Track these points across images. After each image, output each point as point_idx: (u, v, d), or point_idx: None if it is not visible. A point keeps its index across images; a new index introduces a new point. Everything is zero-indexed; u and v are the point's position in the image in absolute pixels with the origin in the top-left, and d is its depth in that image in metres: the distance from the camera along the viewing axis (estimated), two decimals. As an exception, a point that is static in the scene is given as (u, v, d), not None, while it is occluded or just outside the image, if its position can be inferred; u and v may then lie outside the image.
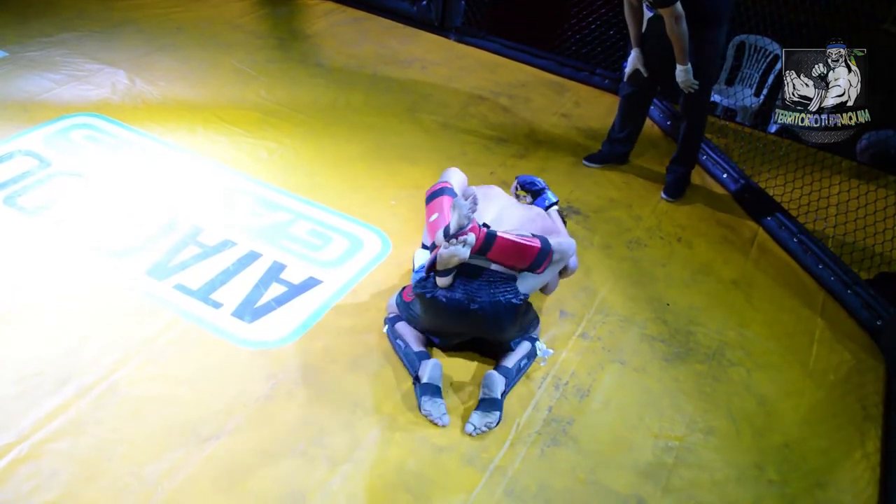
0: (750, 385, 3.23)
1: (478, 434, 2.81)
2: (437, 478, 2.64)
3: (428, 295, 2.95)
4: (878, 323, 3.58)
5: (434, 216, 3.15)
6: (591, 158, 4.66)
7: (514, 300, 2.94)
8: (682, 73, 3.96)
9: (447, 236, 2.83)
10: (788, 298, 3.78)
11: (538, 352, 3.13)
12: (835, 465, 2.92)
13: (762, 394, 3.19)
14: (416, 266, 3.22)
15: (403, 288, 3.20)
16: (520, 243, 2.93)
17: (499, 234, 2.91)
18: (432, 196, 3.28)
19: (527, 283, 3.04)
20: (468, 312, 2.91)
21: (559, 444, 2.84)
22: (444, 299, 2.92)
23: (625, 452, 2.85)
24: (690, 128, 4.31)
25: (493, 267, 2.98)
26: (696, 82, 3.99)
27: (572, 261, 3.32)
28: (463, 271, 2.94)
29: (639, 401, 3.08)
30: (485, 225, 2.97)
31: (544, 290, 3.36)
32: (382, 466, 2.65)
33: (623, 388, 3.13)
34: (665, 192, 4.43)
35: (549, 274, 3.14)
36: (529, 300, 3.12)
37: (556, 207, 3.56)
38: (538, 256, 2.97)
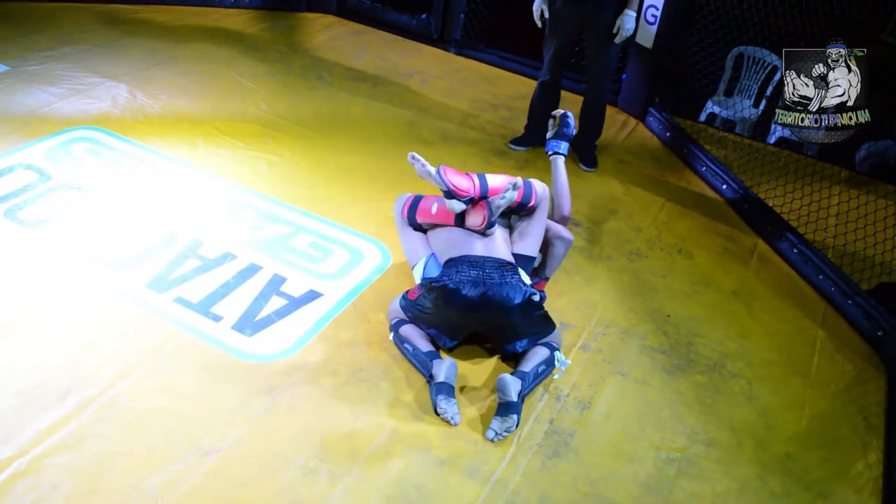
0: (751, 396, 3.22)
1: (499, 440, 2.84)
2: (438, 490, 2.63)
3: (437, 284, 3.02)
4: (879, 333, 3.58)
5: (434, 206, 3.30)
6: (517, 142, 4.95)
7: (526, 289, 3.04)
8: (630, 19, 4.31)
9: (451, 196, 3.16)
10: (789, 309, 3.78)
11: (556, 361, 3.13)
12: (837, 477, 2.91)
13: (763, 405, 3.19)
14: (420, 280, 3.24)
15: (406, 291, 3.23)
16: (504, 176, 3.29)
17: (486, 175, 3.27)
18: (413, 205, 3.35)
19: (526, 243, 3.25)
20: (479, 296, 2.97)
21: (560, 457, 2.83)
22: (454, 285, 2.99)
23: (626, 464, 2.84)
24: (600, 103, 4.74)
25: (496, 256, 3.11)
26: (627, 36, 4.38)
27: (565, 232, 3.44)
28: (470, 261, 3.07)
29: (640, 412, 3.07)
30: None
31: (560, 235, 3.42)
32: (383, 479, 2.64)
33: (624, 399, 3.13)
34: (585, 164, 4.79)
35: (539, 222, 3.30)
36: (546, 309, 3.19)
37: (561, 159, 3.59)
38: (524, 187, 3.22)
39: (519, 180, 3.17)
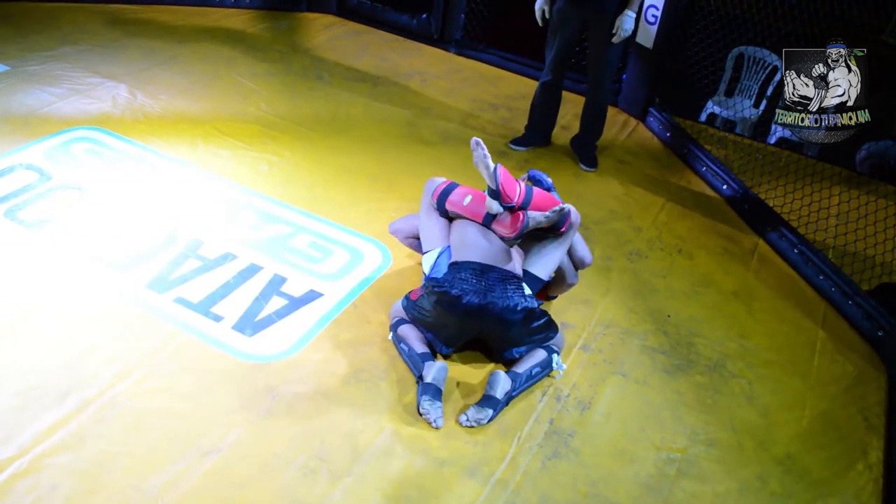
0: (751, 396, 3.22)
1: (468, 426, 2.86)
2: (438, 491, 2.63)
3: (439, 289, 3.00)
4: (880, 333, 3.58)
5: (467, 199, 3.26)
6: (518, 142, 4.96)
7: (527, 304, 3.02)
8: (630, 20, 4.32)
9: (495, 196, 3.11)
10: (789, 309, 3.78)
11: (554, 364, 3.13)
12: (837, 477, 2.91)
13: (764, 405, 3.19)
14: (428, 270, 3.24)
15: (409, 292, 3.22)
16: (549, 195, 3.22)
17: (533, 187, 3.22)
18: (447, 191, 3.31)
19: (541, 264, 3.18)
20: (479, 307, 2.96)
21: (560, 457, 2.83)
22: (456, 292, 2.97)
23: (626, 465, 2.84)
24: (602, 103, 4.73)
25: (505, 266, 3.08)
26: (625, 36, 4.37)
27: (587, 254, 3.44)
28: (474, 269, 3.04)
29: (640, 413, 3.07)
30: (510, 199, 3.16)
31: (565, 277, 3.40)
32: (383, 480, 2.64)
33: (624, 400, 3.12)
34: (585, 164, 4.79)
35: (561, 248, 3.23)
36: (547, 310, 3.17)
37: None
38: (565, 213, 3.16)
39: (567, 207, 3.12)
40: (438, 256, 3.21)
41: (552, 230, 3.19)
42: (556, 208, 3.08)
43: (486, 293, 2.98)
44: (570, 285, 3.46)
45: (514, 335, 3.07)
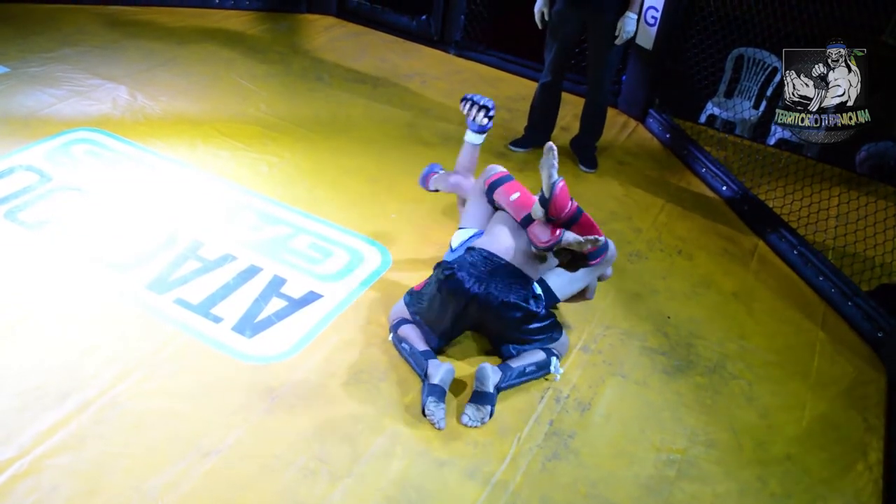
0: (751, 397, 3.22)
1: (472, 426, 2.87)
2: (438, 492, 2.63)
3: (449, 270, 3.05)
4: (879, 334, 3.58)
5: (515, 195, 3.27)
6: (517, 143, 4.95)
7: (528, 307, 3.04)
8: (632, 21, 4.32)
9: (544, 203, 3.06)
10: (789, 310, 3.78)
11: (552, 368, 3.13)
12: (837, 478, 2.91)
13: (763, 406, 3.19)
14: (455, 245, 3.32)
15: (412, 287, 3.27)
16: (595, 225, 3.15)
17: (584, 212, 3.14)
18: (499, 182, 3.35)
19: (562, 282, 3.20)
20: (478, 295, 3.00)
21: (560, 458, 2.83)
22: (461, 275, 3.02)
23: (626, 466, 2.84)
24: (602, 104, 4.73)
25: (517, 265, 3.11)
26: (627, 38, 4.37)
27: (608, 269, 3.45)
28: (487, 258, 3.10)
29: (640, 414, 3.07)
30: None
31: (585, 293, 3.39)
32: (383, 480, 2.64)
33: (624, 401, 3.13)
34: (584, 165, 4.81)
35: (587, 277, 3.26)
36: (554, 313, 3.21)
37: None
38: (601, 246, 3.14)
39: (604, 240, 3.11)
40: (470, 238, 3.29)
41: (584, 258, 3.18)
42: (592, 237, 3.03)
43: (489, 283, 3.01)
44: (607, 278, 3.48)
45: (510, 332, 3.09)
